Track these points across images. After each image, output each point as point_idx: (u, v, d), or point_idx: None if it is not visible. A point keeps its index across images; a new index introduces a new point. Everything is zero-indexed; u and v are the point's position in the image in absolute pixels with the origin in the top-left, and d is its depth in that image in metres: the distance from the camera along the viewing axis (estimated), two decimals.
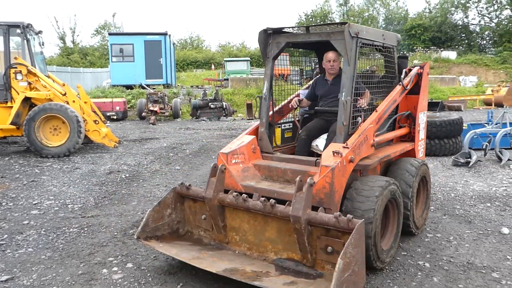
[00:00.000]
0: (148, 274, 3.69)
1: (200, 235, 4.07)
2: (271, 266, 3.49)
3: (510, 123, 8.87)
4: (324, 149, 4.42)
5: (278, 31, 4.47)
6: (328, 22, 48.33)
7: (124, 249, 4.27)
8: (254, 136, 4.46)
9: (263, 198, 3.51)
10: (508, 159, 8.08)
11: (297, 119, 5.13)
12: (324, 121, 4.78)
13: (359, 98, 4.19)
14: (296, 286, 3.14)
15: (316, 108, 4.95)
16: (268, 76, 4.57)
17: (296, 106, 4.92)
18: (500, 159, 8.16)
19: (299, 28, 4.47)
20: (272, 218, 3.56)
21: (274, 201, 3.45)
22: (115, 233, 4.71)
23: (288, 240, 3.52)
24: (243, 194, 3.65)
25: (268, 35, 4.49)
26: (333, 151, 3.68)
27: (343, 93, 3.99)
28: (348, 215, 3.12)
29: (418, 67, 5.08)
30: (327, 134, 4.62)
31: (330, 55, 4.73)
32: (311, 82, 5.50)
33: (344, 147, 3.74)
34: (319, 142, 4.62)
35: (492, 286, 3.49)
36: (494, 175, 7.26)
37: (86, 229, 4.86)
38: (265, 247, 3.66)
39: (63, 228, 4.88)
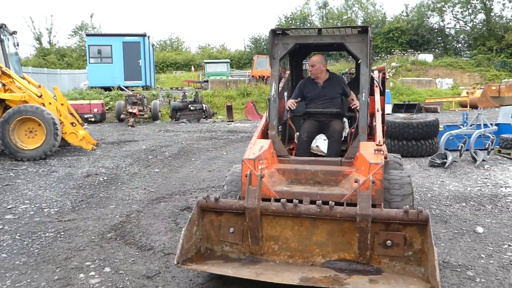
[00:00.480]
0: (126, 278, 3.64)
1: (224, 250, 3.68)
2: (328, 270, 3.36)
3: (484, 124, 9.07)
4: (328, 150, 4.53)
5: (287, 32, 4.40)
6: (309, 24, 48.91)
7: (101, 253, 4.20)
8: (270, 140, 4.27)
9: (320, 201, 3.39)
10: (483, 160, 8.26)
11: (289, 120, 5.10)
12: (317, 122, 4.81)
13: (352, 99, 4.28)
14: (377, 284, 3.10)
15: (307, 110, 4.91)
16: (275, 77, 4.45)
17: (293, 108, 4.87)
18: (475, 160, 8.33)
19: (309, 30, 4.43)
20: (323, 221, 3.45)
21: (333, 203, 3.36)
22: (93, 237, 4.64)
23: (341, 241, 3.45)
24: (294, 200, 3.50)
25: (276, 35, 4.36)
26: (374, 149, 3.74)
27: (363, 94, 4.08)
28: (418, 207, 3.24)
29: (377, 71, 5.28)
30: (324, 135, 4.67)
31: (315, 58, 4.72)
32: (282, 83, 5.50)
33: (378, 144, 3.81)
34: (320, 143, 4.64)
35: (467, 284, 3.55)
36: (469, 176, 7.41)
37: (62, 233, 4.77)
38: (311, 251, 3.50)
39: (39, 233, 4.78)
